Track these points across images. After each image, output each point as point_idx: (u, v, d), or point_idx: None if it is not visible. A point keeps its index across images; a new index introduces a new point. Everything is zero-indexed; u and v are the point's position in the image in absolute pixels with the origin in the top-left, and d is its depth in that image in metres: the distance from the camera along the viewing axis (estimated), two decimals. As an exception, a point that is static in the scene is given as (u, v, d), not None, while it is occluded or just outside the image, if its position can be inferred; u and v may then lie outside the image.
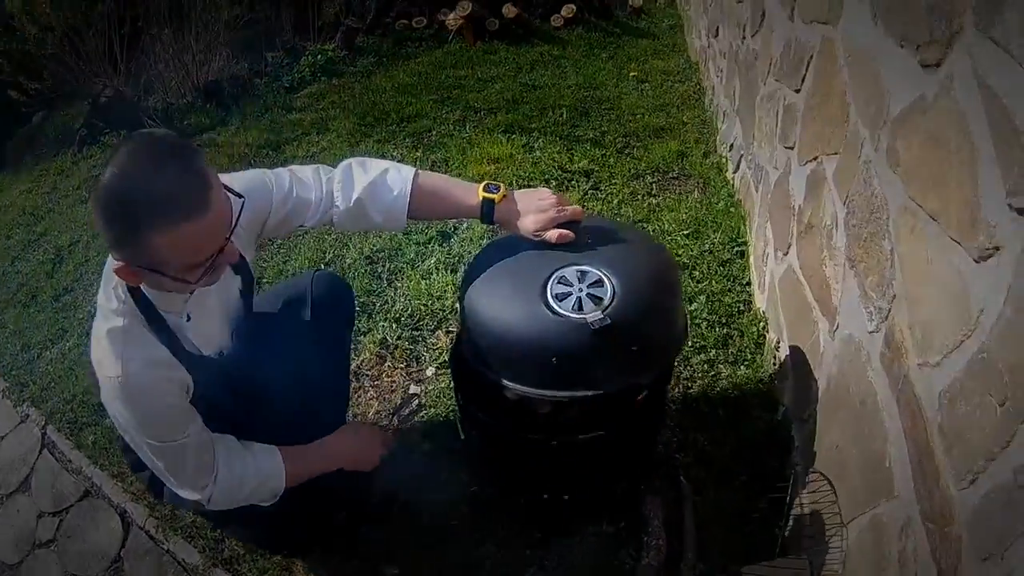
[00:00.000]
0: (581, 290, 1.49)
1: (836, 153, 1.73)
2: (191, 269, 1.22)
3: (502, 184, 1.59)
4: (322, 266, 2.99)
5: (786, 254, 2.19)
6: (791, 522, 1.89)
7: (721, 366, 2.42)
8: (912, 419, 1.29)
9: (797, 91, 2.07)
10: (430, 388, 2.36)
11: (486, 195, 1.55)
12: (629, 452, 1.85)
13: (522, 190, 1.61)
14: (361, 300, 2.74)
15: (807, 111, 1.99)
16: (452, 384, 1.81)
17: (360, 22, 5.40)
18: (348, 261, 2.99)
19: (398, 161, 1.62)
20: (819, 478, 1.71)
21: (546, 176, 3.52)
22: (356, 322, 2.62)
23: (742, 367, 2.39)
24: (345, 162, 1.58)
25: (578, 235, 1.58)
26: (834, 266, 1.72)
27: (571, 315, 1.45)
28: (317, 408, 1.82)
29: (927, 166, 1.25)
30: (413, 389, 2.34)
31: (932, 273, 1.23)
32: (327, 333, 1.86)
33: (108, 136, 4.35)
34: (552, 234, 1.55)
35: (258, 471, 1.59)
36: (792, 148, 2.19)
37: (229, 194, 1.25)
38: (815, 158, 1.90)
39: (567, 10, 5.43)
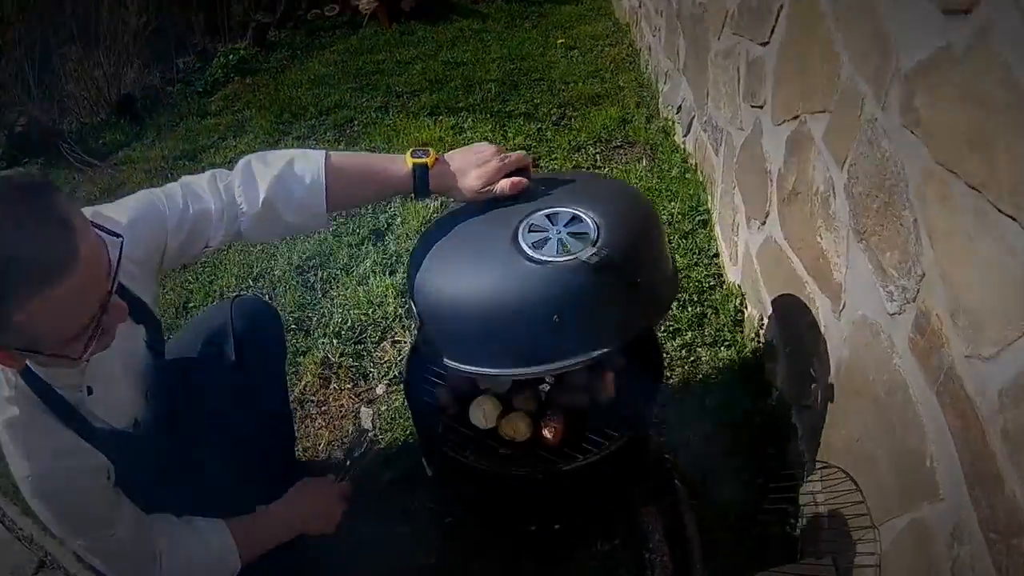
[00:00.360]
0: (559, 232, 1.26)
1: (824, 111, 1.54)
2: (71, 342, 0.93)
3: (430, 148, 1.36)
4: (250, 281, 2.66)
5: (763, 224, 2.01)
6: (803, 520, 1.73)
7: (700, 349, 2.24)
8: (962, 418, 1.11)
9: (764, 44, 1.87)
10: (383, 408, 2.09)
11: (416, 161, 1.34)
12: (624, 468, 1.64)
13: (454, 150, 1.39)
14: (295, 316, 2.44)
15: (780, 66, 1.80)
16: (411, 419, 1.55)
17: (270, 16, 5.09)
18: (277, 273, 2.67)
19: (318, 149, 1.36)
20: (837, 474, 1.55)
21: (483, 158, 3.26)
22: (293, 341, 2.32)
23: (723, 348, 2.22)
24: (243, 160, 1.33)
25: (531, 184, 1.37)
26: (834, 238, 1.54)
27: (558, 259, 1.20)
28: (262, 458, 1.55)
29: (961, 127, 1.05)
30: (364, 413, 2.07)
31: (976, 252, 1.04)
32: (258, 371, 1.58)
33: (28, 166, 3.95)
34: (503, 184, 1.33)
35: (207, 551, 1.36)
36: (762, 107, 1.99)
37: (103, 234, 0.95)
38: (795, 117, 1.71)
39: (484, -21, 5.11)
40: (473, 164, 1.35)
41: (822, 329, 1.64)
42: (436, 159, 1.36)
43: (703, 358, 2.21)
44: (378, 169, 1.36)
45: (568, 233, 1.26)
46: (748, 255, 2.18)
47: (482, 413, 1.45)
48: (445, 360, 1.27)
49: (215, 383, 1.48)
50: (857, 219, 1.42)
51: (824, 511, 1.62)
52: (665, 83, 3.40)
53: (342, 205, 1.38)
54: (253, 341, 1.56)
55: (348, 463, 1.84)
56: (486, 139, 3.37)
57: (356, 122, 3.69)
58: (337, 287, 2.56)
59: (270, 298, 2.54)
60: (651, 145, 3.26)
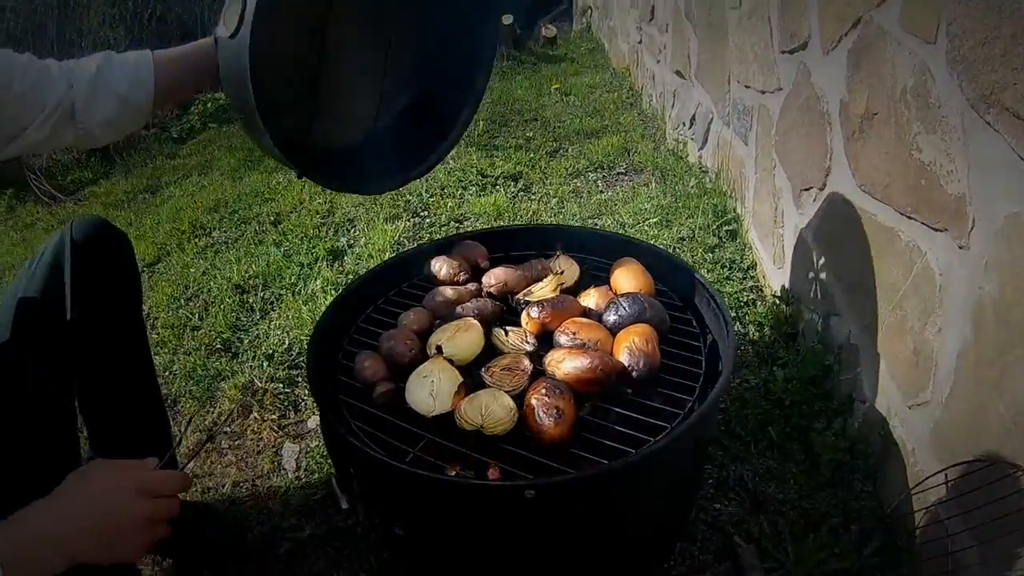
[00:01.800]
0: None
1: None
2: None
3: None
4: (183, 301, 2.15)
5: (823, 187, 1.53)
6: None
7: (746, 371, 1.69)
8: None
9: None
10: (312, 445, 1.52)
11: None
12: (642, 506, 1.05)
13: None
14: (223, 336, 1.91)
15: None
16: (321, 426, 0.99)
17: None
18: (214, 292, 2.17)
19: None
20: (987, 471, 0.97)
21: (463, 183, 2.84)
22: (215, 365, 1.78)
23: (776, 368, 1.67)
24: None
25: None
26: (941, 136, 1.06)
27: None
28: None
29: None
30: (288, 450, 1.50)
31: None
32: (107, 320, 1.06)
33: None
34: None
35: None
36: (805, 46, 1.57)
37: None
38: (856, 23, 1.29)
39: (474, 38, 4.93)
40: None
41: (937, 279, 1.11)
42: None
43: (750, 382, 1.66)
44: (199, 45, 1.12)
45: None
46: (801, 243, 1.69)
47: (430, 388, 0.89)
48: None
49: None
50: (976, 82, 0.94)
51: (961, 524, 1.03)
52: (673, 105, 3.04)
53: (175, 88, 1.12)
54: (96, 274, 1.05)
55: (212, 433, 1.26)
56: (471, 166, 2.96)
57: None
58: (279, 308, 2.05)
59: (200, 319, 2.03)
60: (660, 169, 2.84)
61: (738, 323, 1.87)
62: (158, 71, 1.07)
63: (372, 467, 0.86)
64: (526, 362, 0.95)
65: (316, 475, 1.45)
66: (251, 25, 0.81)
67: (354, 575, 1.25)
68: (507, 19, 4.69)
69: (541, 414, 0.84)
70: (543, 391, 0.86)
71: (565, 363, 0.91)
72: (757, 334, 1.82)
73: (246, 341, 1.89)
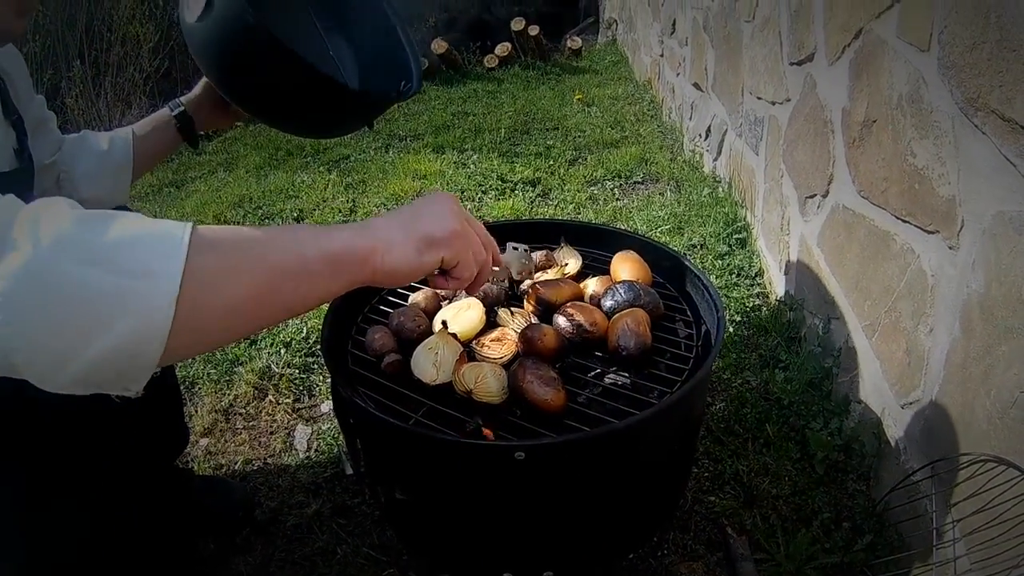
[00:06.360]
0: None
1: (892, 6, 1.16)
2: None
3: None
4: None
5: (826, 194, 1.57)
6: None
7: (748, 373, 1.73)
8: None
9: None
10: (324, 428, 1.58)
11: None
12: (640, 485, 1.09)
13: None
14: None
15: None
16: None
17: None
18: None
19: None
20: (991, 467, 1.00)
21: (483, 187, 2.91)
22: (234, 351, 1.86)
23: (778, 371, 1.70)
24: None
25: None
26: (934, 140, 1.10)
27: None
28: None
29: None
30: (300, 431, 1.56)
31: None
32: None
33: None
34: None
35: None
36: (811, 58, 1.62)
37: None
38: (857, 34, 1.34)
39: (502, 48, 5.02)
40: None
41: (929, 280, 1.15)
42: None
43: (751, 383, 1.70)
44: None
45: None
46: (806, 250, 1.73)
47: (433, 359, 0.95)
48: None
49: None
50: (964, 86, 0.99)
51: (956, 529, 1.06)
52: (691, 117, 3.09)
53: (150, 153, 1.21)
54: None
55: None
56: (492, 172, 3.04)
57: (352, 159, 3.39)
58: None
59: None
60: (676, 180, 2.89)
61: (743, 328, 1.91)
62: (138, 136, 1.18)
63: (374, 427, 0.92)
64: (512, 334, 1.03)
65: (326, 455, 1.51)
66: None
67: (357, 550, 1.31)
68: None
69: (539, 387, 0.90)
70: (531, 365, 0.92)
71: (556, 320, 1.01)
72: (761, 338, 1.85)
73: (265, 331, 1.97)
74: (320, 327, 1.89)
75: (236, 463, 1.50)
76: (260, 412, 1.65)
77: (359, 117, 1.12)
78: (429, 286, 0.98)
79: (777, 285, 1.98)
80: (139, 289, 0.49)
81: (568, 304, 1.05)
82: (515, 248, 1.03)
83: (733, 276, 2.15)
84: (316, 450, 1.54)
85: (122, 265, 0.49)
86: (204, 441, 1.59)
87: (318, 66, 0.89)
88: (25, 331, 0.47)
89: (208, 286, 0.52)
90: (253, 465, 1.49)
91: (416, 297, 1.18)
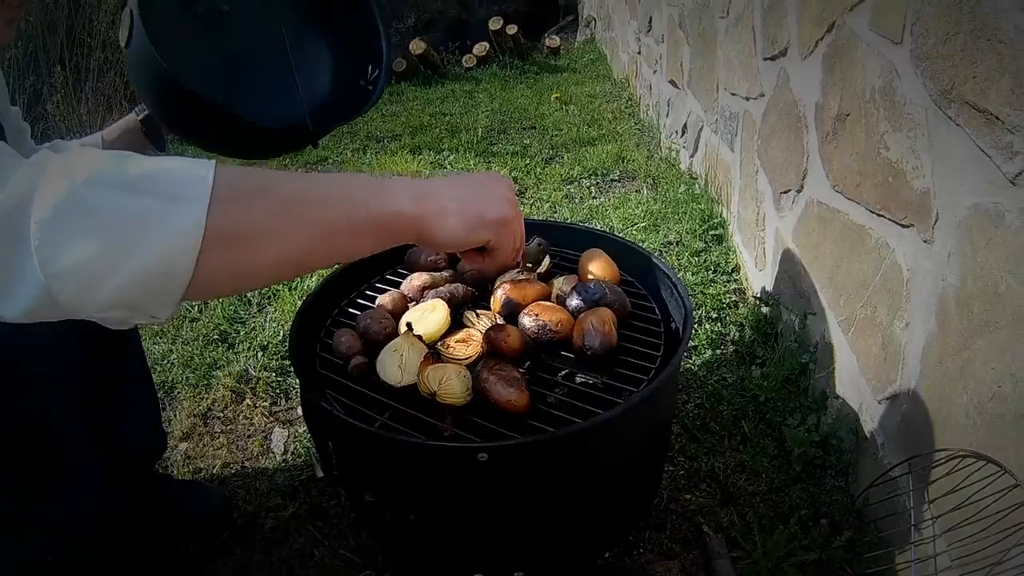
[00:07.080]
0: None
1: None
2: None
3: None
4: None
5: (800, 190, 1.57)
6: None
7: (724, 370, 1.72)
8: None
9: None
10: (301, 431, 1.55)
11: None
12: (616, 483, 1.07)
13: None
14: (221, 328, 1.96)
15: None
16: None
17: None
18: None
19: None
20: (969, 462, 0.99)
21: (463, 187, 2.88)
22: (212, 354, 1.82)
23: (754, 367, 1.69)
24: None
25: None
26: (907, 134, 1.09)
27: None
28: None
29: None
30: (277, 434, 1.53)
31: None
32: None
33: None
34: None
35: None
36: (784, 52, 1.61)
37: None
38: (830, 27, 1.33)
39: (480, 48, 5.00)
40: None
41: (904, 274, 1.14)
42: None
43: (728, 380, 1.68)
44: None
45: None
46: (781, 245, 1.72)
47: (399, 361, 0.92)
48: None
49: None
50: (938, 78, 0.98)
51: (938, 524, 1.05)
52: (668, 115, 3.08)
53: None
54: None
55: None
56: (468, 171, 3.02)
57: (330, 160, 3.36)
58: (276, 302, 2.09)
59: (199, 311, 2.06)
60: (653, 177, 2.88)
61: (719, 324, 1.90)
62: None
63: (339, 430, 0.89)
64: (478, 335, 1.00)
65: (302, 458, 1.48)
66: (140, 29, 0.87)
67: (334, 552, 1.28)
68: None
69: (501, 388, 0.87)
70: (495, 366, 0.90)
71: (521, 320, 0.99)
72: (737, 334, 1.84)
73: (242, 333, 1.93)
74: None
75: (215, 467, 1.47)
76: (238, 416, 1.62)
77: (287, 145, 1.10)
78: (461, 258, 0.97)
79: (753, 281, 1.97)
80: (170, 210, 0.52)
81: (534, 304, 1.03)
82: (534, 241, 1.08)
83: (709, 272, 2.14)
84: (293, 453, 1.51)
85: (153, 190, 0.52)
86: (183, 445, 1.56)
87: (221, 105, 0.89)
88: (63, 251, 0.50)
89: (236, 221, 0.55)
90: (231, 469, 1.47)
91: (383, 299, 1.15)
